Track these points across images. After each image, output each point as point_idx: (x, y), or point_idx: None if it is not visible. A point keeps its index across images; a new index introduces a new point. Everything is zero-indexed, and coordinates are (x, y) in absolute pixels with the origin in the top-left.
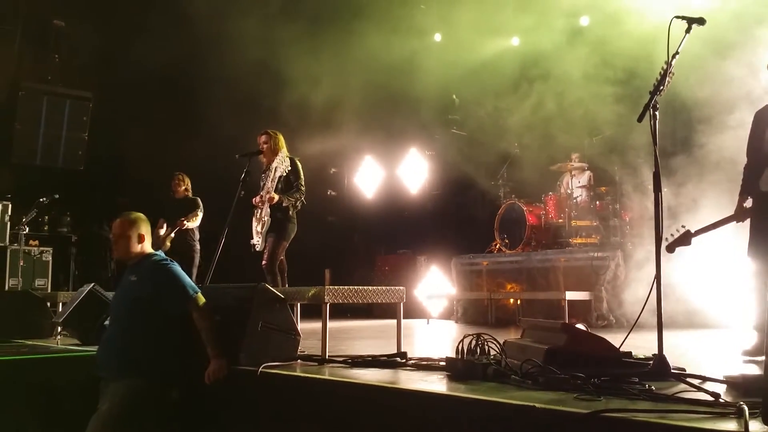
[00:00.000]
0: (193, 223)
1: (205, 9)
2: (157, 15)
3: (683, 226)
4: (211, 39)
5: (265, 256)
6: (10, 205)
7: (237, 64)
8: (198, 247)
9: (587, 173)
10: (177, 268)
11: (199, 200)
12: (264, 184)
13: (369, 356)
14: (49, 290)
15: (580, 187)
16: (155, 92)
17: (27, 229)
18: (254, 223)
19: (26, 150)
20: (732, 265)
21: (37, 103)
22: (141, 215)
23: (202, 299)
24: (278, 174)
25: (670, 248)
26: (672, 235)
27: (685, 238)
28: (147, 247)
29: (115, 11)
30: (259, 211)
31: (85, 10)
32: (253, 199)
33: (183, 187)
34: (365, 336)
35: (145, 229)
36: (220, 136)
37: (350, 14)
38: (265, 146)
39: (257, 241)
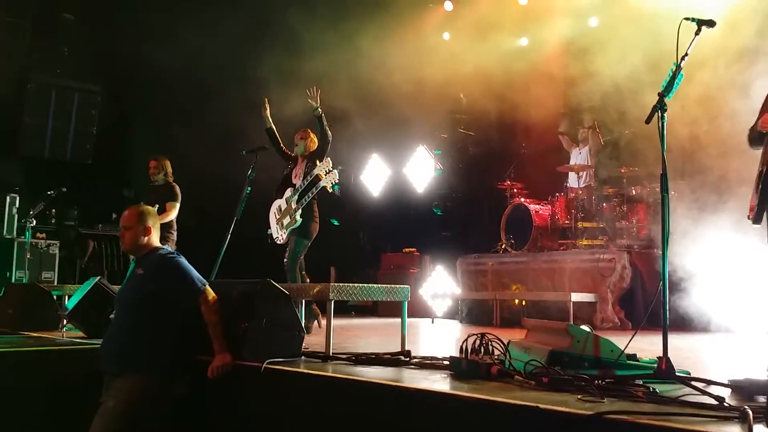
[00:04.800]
0: (166, 217)
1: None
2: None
3: None
4: (216, 34)
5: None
6: (17, 198)
7: (243, 60)
8: (173, 237)
9: (585, 149)
10: (184, 261)
11: (176, 188)
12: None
13: (373, 354)
14: (55, 283)
15: (582, 187)
16: (163, 86)
17: (34, 221)
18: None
19: (34, 143)
20: (743, 268)
21: (46, 96)
22: (148, 207)
23: (211, 293)
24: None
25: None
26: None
27: None
28: (154, 240)
29: (125, 4)
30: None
31: (94, 3)
32: None
33: (161, 173)
34: (369, 334)
35: (152, 222)
36: (228, 131)
37: (358, 12)
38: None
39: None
